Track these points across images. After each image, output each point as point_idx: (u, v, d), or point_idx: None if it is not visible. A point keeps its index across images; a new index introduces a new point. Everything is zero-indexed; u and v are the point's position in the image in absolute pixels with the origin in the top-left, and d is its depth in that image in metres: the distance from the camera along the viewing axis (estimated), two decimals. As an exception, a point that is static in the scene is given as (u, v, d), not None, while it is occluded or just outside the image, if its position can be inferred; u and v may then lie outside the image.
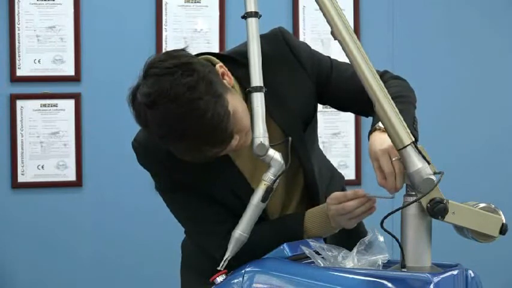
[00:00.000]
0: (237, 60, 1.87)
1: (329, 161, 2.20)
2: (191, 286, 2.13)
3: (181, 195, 1.94)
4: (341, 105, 2.07)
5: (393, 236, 1.67)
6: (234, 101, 1.73)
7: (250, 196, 1.83)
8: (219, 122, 1.67)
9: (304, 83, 1.95)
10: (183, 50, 1.77)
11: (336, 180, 2.16)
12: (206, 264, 1.97)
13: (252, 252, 1.79)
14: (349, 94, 1.93)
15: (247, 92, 1.82)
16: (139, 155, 1.94)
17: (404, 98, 1.89)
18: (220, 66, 1.79)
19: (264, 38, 1.91)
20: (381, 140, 1.75)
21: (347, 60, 1.71)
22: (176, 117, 1.66)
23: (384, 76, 1.99)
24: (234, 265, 1.77)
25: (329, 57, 2.01)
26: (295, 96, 1.93)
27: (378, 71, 1.94)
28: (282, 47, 1.94)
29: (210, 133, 1.68)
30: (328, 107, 2.09)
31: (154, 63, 1.73)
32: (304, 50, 1.97)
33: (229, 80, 1.79)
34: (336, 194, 1.87)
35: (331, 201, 1.88)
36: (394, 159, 1.70)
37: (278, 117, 1.91)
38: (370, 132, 1.82)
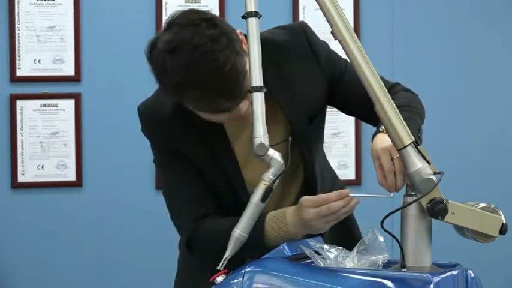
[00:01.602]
0: None
1: (333, 170, 2.19)
2: (187, 280, 2.14)
3: (170, 163, 1.96)
4: (348, 109, 2.08)
5: (393, 236, 1.67)
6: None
7: (239, 180, 1.89)
8: (236, 76, 1.73)
9: (317, 77, 1.98)
10: (206, 11, 1.84)
11: (337, 189, 2.16)
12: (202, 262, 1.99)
13: (215, 241, 1.81)
14: (358, 98, 1.93)
15: (247, 92, 1.83)
16: (143, 117, 1.97)
17: (412, 108, 1.90)
18: (240, 33, 1.83)
19: (285, 29, 1.99)
20: (382, 139, 1.75)
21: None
22: (195, 64, 1.71)
23: (396, 87, 2.00)
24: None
25: (346, 60, 2.02)
26: (305, 86, 1.96)
27: (389, 82, 1.96)
28: (301, 40, 1.98)
29: (226, 85, 1.72)
30: (329, 107, 2.09)
31: (178, 15, 1.79)
32: (322, 47, 2.00)
33: (246, 47, 1.81)
34: (312, 198, 1.81)
35: (308, 204, 1.80)
36: (395, 157, 1.71)
37: (287, 107, 1.93)
38: (374, 135, 1.82)
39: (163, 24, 1.83)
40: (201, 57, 1.71)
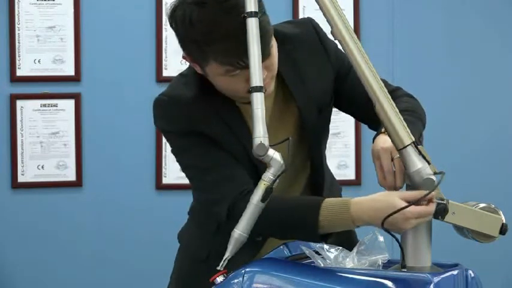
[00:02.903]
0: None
1: (331, 173, 2.20)
2: (185, 271, 2.14)
3: (201, 145, 1.94)
4: (348, 107, 2.08)
5: (393, 236, 1.67)
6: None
7: (257, 160, 1.80)
8: (264, 32, 1.75)
9: (326, 68, 2.00)
10: None
11: (335, 188, 2.16)
12: (203, 250, 2.03)
13: (267, 220, 1.77)
14: (360, 98, 1.93)
15: (247, 92, 1.83)
16: (166, 106, 1.95)
17: (414, 114, 1.90)
18: None
19: (294, 23, 2.04)
20: (383, 140, 1.75)
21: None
22: (225, 16, 1.76)
23: (398, 91, 2.00)
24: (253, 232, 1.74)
25: None
26: (316, 78, 1.98)
27: (391, 86, 1.96)
28: (312, 33, 2.01)
29: None
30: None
31: None
32: (331, 42, 2.01)
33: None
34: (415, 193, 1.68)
35: (408, 197, 1.67)
36: (395, 157, 1.71)
37: (298, 95, 1.95)
38: (375, 136, 1.82)
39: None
40: (230, 10, 1.75)
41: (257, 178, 1.77)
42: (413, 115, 1.88)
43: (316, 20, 2.05)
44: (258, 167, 1.90)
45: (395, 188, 1.72)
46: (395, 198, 1.66)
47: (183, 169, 2.02)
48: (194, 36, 1.81)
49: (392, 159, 1.72)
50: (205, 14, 1.77)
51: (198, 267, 2.04)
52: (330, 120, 2.07)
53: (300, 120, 1.97)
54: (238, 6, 1.75)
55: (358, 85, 1.80)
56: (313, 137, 1.99)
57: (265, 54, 1.78)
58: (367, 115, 1.94)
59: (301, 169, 2.02)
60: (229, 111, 1.93)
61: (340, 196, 2.12)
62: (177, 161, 2.02)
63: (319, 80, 1.98)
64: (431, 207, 1.65)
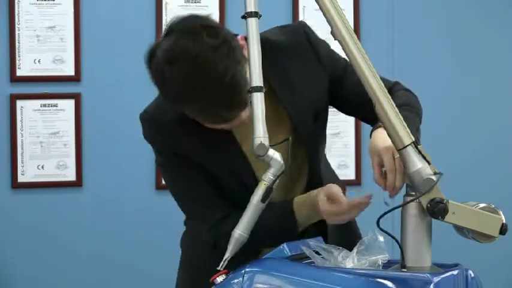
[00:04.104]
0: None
1: (333, 170, 2.20)
2: (187, 284, 2.14)
3: (182, 170, 1.95)
4: (346, 108, 2.08)
5: (393, 237, 1.67)
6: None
7: (252, 181, 1.87)
8: (237, 85, 1.71)
9: (319, 76, 1.98)
10: (207, 16, 1.80)
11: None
12: (204, 257, 2.00)
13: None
14: (357, 98, 1.93)
15: (247, 92, 1.82)
16: (147, 124, 1.95)
17: (411, 108, 1.90)
18: (241, 38, 1.82)
19: (285, 29, 1.99)
20: (383, 138, 1.75)
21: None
22: (195, 76, 1.69)
23: (395, 86, 2.00)
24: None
25: (345, 59, 2.02)
26: (308, 85, 1.96)
27: (389, 81, 1.96)
28: (302, 40, 1.97)
29: (227, 95, 1.71)
30: (329, 106, 2.09)
31: (178, 21, 1.76)
32: (323, 46, 2.00)
33: (247, 54, 1.80)
34: (334, 194, 1.86)
35: (328, 196, 1.87)
36: (396, 157, 1.71)
37: (289, 105, 1.93)
38: (373, 130, 1.82)
39: (163, 29, 1.80)
40: (201, 68, 1.69)
41: (246, 197, 1.79)
42: (410, 110, 1.88)
43: (312, 21, 2.04)
44: (248, 188, 1.87)
45: (394, 188, 1.73)
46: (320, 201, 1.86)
47: (166, 184, 2.02)
48: (167, 94, 1.77)
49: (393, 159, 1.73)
50: (177, 74, 1.70)
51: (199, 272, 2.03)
52: (325, 128, 2.06)
53: (293, 129, 1.95)
54: (212, 62, 1.69)
55: (355, 85, 1.81)
56: (309, 143, 1.98)
57: (237, 108, 1.74)
58: (367, 115, 1.94)
59: (301, 170, 2.02)
60: (218, 133, 1.87)
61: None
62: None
63: (312, 87, 1.96)
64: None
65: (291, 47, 1.96)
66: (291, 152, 1.93)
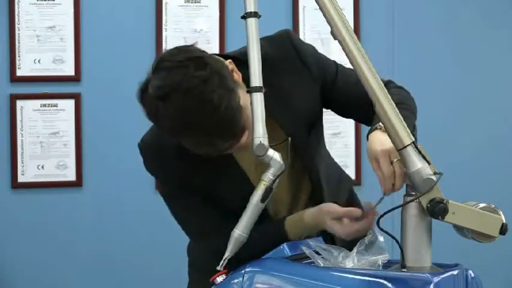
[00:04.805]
0: (241, 60, 1.86)
1: (337, 163, 2.19)
2: (197, 286, 2.14)
3: (180, 196, 1.95)
4: (344, 111, 2.07)
5: (393, 237, 1.67)
6: (244, 97, 1.74)
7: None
8: (232, 116, 1.69)
9: (309, 85, 1.95)
10: (192, 45, 1.78)
11: (344, 183, 2.16)
12: (213, 265, 1.98)
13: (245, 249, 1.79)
14: (352, 100, 1.92)
15: (247, 92, 1.82)
16: (147, 156, 1.95)
17: (405, 105, 1.90)
18: (229, 63, 1.80)
19: (270, 40, 1.94)
20: (381, 141, 1.74)
21: (347, 60, 1.71)
22: (189, 110, 1.67)
23: (388, 85, 1.99)
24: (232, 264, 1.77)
25: (335, 61, 2.02)
26: (299, 98, 1.94)
27: (382, 80, 1.96)
28: (288, 50, 1.95)
29: (223, 126, 1.69)
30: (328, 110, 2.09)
31: (165, 57, 1.73)
32: (310, 54, 1.98)
33: (237, 76, 1.79)
34: (332, 210, 1.86)
35: (329, 214, 1.87)
36: (394, 160, 1.70)
37: (281, 119, 1.92)
38: (370, 132, 1.82)
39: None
40: (194, 101, 1.67)
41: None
42: (406, 108, 1.88)
43: (312, 21, 2.02)
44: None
45: (393, 191, 1.72)
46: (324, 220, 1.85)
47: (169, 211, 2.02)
48: (162, 129, 1.77)
49: (391, 163, 1.72)
50: (169, 109, 1.69)
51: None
52: (322, 133, 2.06)
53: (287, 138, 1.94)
54: (204, 93, 1.67)
55: (350, 87, 1.80)
56: (306, 156, 1.97)
57: (235, 136, 1.73)
58: (364, 115, 1.94)
59: (303, 179, 2.01)
60: (220, 157, 1.84)
61: (351, 190, 2.18)
62: None
63: (304, 99, 1.95)
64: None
65: (278, 61, 1.92)
66: (291, 154, 1.92)
